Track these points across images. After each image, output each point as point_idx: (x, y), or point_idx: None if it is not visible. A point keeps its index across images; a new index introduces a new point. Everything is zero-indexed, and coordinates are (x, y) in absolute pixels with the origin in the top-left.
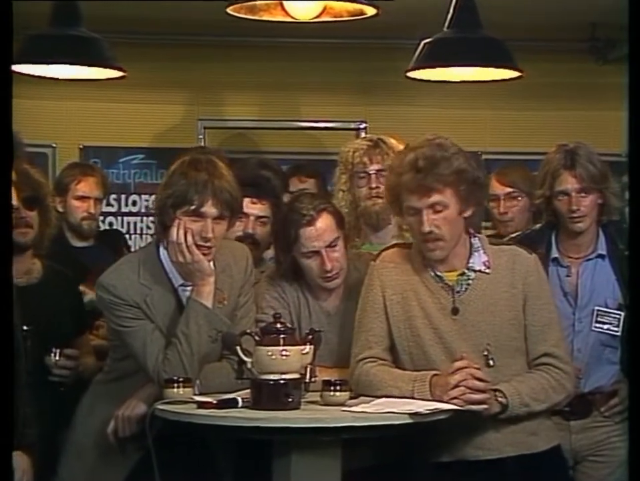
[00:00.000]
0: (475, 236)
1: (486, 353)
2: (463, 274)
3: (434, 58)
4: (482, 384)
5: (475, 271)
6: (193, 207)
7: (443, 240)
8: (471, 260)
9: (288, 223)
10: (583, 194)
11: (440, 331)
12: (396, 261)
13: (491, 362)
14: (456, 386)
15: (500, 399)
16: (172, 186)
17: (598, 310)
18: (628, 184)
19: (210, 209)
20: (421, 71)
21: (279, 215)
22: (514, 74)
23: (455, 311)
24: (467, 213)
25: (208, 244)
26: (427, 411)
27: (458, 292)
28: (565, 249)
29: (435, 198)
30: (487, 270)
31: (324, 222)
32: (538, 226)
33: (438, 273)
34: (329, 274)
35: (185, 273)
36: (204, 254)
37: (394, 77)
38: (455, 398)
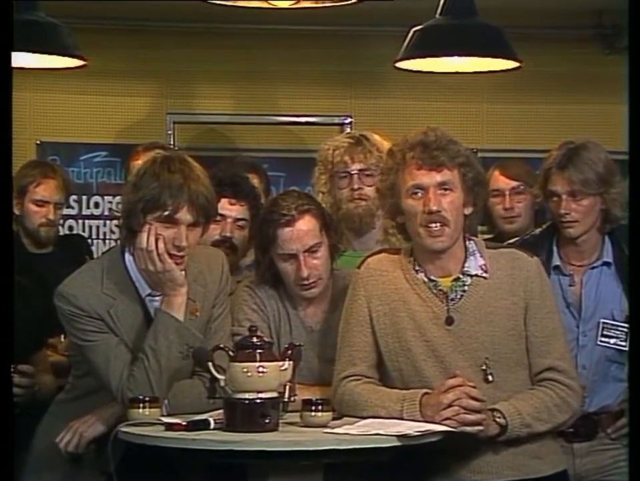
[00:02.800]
0: (470, 240)
1: (484, 367)
2: (458, 279)
3: (425, 47)
4: (477, 404)
5: (471, 276)
6: (166, 212)
7: (448, 225)
8: (466, 264)
9: (267, 221)
10: (575, 198)
11: (433, 344)
12: (382, 268)
13: (490, 377)
14: (449, 406)
15: (498, 419)
16: (142, 188)
17: (604, 323)
18: (629, 183)
19: (184, 215)
20: (411, 61)
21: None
22: (513, 64)
23: (449, 321)
24: (468, 210)
25: (181, 253)
26: (417, 433)
27: (452, 299)
28: (567, 256)
29: (445, 175)
30: (484, 275)
31: (305, 224)
32: (537, 230)
33: (432, 277)
34: (305, 282)
35: (154, 282)
36: (177, 263)
37: (382, 67)
38: (448, 419)
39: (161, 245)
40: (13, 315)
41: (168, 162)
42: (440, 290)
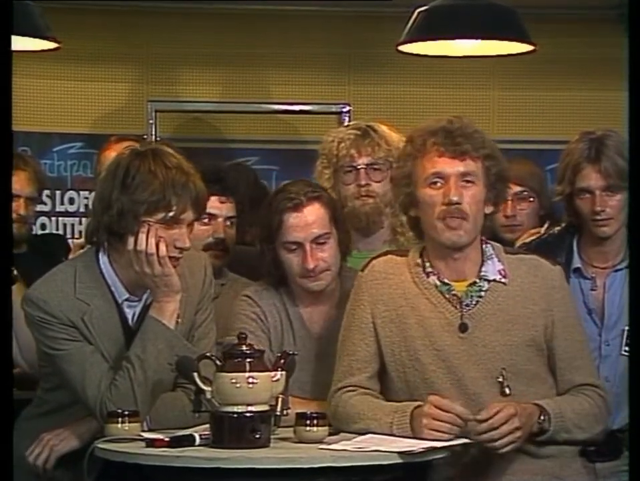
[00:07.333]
0: (487, 244)
1: (500, 378)
2: (474, 283)
3: (431, 29)
4: (446, 425)
5: (488, 281)
6: (171, 213)
7: (467, 220)
8: (483, 268)
9: (273, 207)
10: (609, 193)
11: (444, 353)
12: (389, 271)
13: (507, 390)
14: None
15: (541, 417)
16: (137, 189)
17: (629, 330)
18: (629, 182)
19: (189, 215)
20: (416, 44)
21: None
22: (526, 47)
23: (463, 328)
24: (489, 209)
25: (181, 254)
26: (421, 450)
27: (467, 305)
28: (589, 258)
29: (468, 165)
30: (503, 280)
31: (314, 212)
32: (556, 229)
33: (445, 280)
34: (311, 274)
35: (147, 286)
36: (174, 266)
37: (383, 51)
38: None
39: (162, 248)
40: (12, 315)
41: (160, 156)
42: (454, 294)
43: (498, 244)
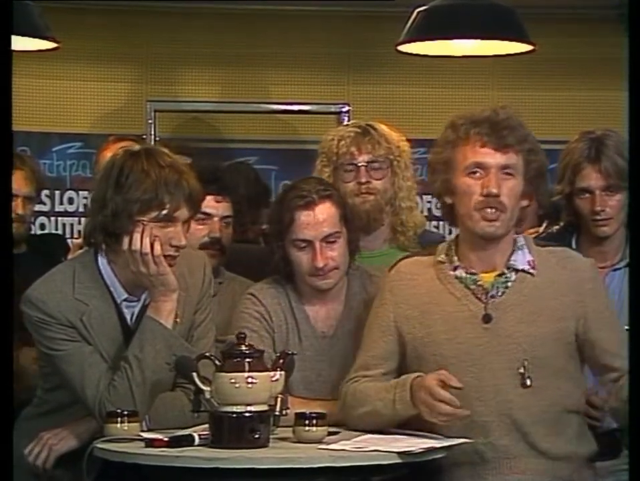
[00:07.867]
0: (518, 235)
1: (522, 370)
2: (502, 274)
3: (430, 29)
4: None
5: (517, 271)
6: (164, 212)
7: (505, 212)
8: (512, 258)
9: (285, 204)
10: (609, 193)
11: (467, 346)
12: (414, 271)
13: (528, 381)
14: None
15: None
16: (131, 188)
17: (628, 330)
18: (629, 182)
19: (182, 213)
20: (415, 44)
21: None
22: (526, 47)
23: (487, 318)
24: (524, 202)
25: (177, 253)
26: (421, 450)
27: (493, 296)
28: (588, 256)
29: (509, 158)
30: (532, 271)
31: (325, 210)
32: (555, 228)
33: (472, 271)
34: (320, 272)
35: (144, 285)
36: (170, 265)
37: (382, 51)
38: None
39: (157, 247)
40: (12, 315)
41: (154, 155)
42: (480, 285)
43: (528, 236)
